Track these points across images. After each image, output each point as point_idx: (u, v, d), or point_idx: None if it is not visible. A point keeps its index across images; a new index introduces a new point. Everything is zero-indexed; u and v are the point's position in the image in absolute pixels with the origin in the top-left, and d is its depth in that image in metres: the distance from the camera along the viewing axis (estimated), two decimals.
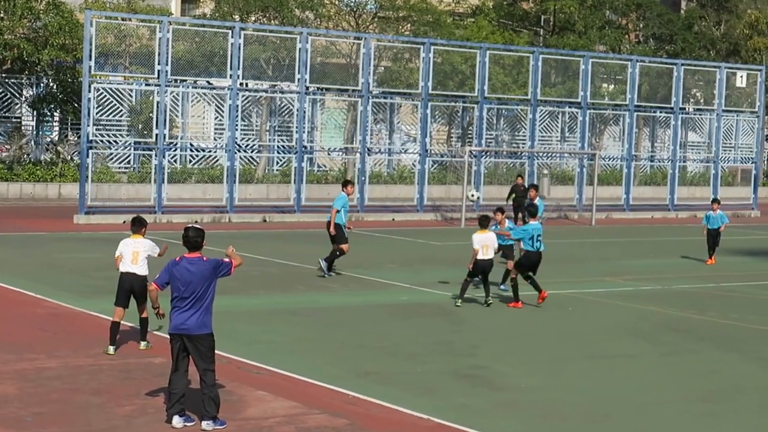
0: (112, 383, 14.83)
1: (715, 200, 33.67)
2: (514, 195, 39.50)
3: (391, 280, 25.70)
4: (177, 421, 12.80)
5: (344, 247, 26.03)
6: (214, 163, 46.38)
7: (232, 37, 40.37)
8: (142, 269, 16.97)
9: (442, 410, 14.00)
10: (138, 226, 17.20)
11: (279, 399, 14.26)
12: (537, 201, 29.31)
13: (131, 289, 16.92)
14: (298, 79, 41.92)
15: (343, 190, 26.86)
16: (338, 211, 26.10)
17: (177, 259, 13.12)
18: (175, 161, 44.34)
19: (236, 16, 53.22)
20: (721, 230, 31.64)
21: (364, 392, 14.79)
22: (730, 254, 33.69)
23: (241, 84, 42.08)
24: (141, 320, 17.15)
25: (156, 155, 39.69)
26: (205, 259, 13.02)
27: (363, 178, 43.50)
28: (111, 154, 42.02)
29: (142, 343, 17.12)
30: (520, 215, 38.09)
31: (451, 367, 16.75)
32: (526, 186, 41.30)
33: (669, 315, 22.12)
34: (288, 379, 15.47)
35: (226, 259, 13.09)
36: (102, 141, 40.09)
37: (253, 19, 53.54)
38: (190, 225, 13.52)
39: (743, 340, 19.94)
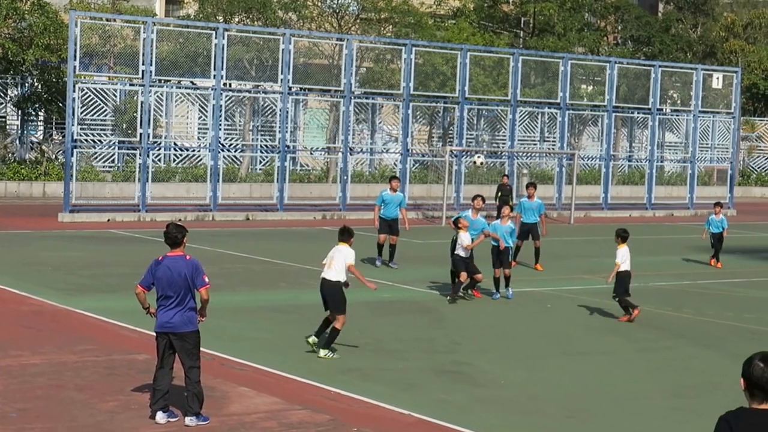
0: (96, 379, 14.92)
1: (717, 203, 32.74)
2: (500, 194, 39.88)
3: (373, 278, 25.72)
4: (160, 416, 12.89)
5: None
6: (198, 162, 46.59)
7: (215, 37, 40.50)
8: (332, 274, 16.91)
9: (424, 406, 14.14)
10: (347, 236, 17.20)
11: (261, 395, 14.35)
12: (536, 200, 29.35)
13: (323, 293, 17.04)
14: (281, 80, 42.11)
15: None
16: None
17: (159, 258, 13.12)
18: (159, 160, 44.57)
19: (220, 17, 53.35)
20: (725, 235, 31.32)
21: (346, 388, 14.92)
22: (706, 252, 33.99)
23: (224, 84, 42.21)
24: (331, 329, 17.05)
25: (140, 154, 39.83)
26: (188, 257, 13.02)
27: (345, 178, 43.71)
28: (95, 153, 42.21)
29: (322, 351, 16.90)
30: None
31: (432, 363, 16.90)
32: (511, 185, 41.68)
33: (645, 312, 22.20)
34: (270, 376, 15.60)
35: (206, 279, 13.08)
36: (86, 140, 40.25)
37: (236, 20, 53.69)
38: (171, 222, 13.55)
39: (719, 337, 20.17)
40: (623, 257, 21.49)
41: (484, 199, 24.60)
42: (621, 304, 21.58)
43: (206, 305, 13.18)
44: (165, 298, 12.91)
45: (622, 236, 21.73)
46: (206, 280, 13.04)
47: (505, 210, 24.48)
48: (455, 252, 22.86)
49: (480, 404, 14.55)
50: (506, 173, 44.22)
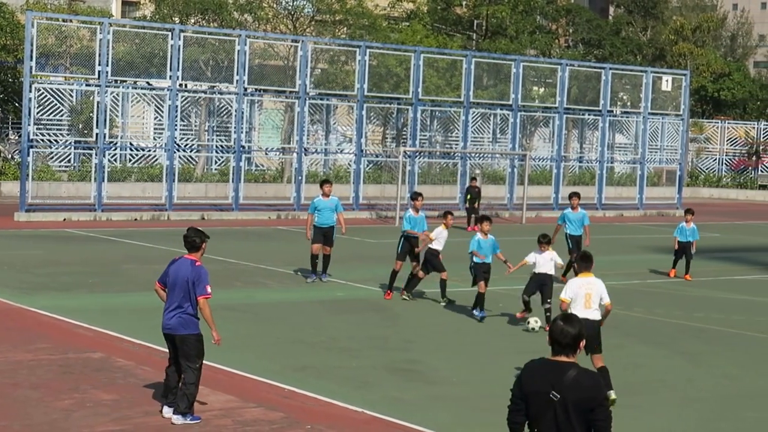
0: (51, 378, 14.95)
1: (688, 211, 30.09)
2: (469, 196, 40.18)
3: (328, 277, 26.01)
4: (167, 410, 13.07)
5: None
6: (154, 162, 46.58)
7: (171, 38, 40.59)
8: (594, 313, 14.91)
9: (377, 404, 14.30)
10: (591, 262, 15.21)
11: (216, 393, 14.42)
12: (580, 210, 27.43)
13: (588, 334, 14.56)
14: (237, 81, 42.27)
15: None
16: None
17: (176, 258, 13.23)
18: (115, 160, 44.58)
19: (176, 19, 53.41)
20: (693, 249, 29.04)
21: (300, 386, 15.05)
22: (655, 252, 34.43)
23: (180, 85, 42.29)
24: (601, 369, 14.88)
25: (96, 154, 39.84)
26: (197, 263, 12.98)
27: (300, 178, 43.88)
28: (51, 152, 42.17)
29: (611, 393, 14.70)
30: (472, 216, 39.24)
31: (385, 361, 17.07)
32: (480, 188, 41.86)
33: None
34: (225, 374, 15.69)
35: (209, 288, 12.94)
36: (43, 140, 40.22)
37: (192, 21, 53.79)
38: (192, 226, 13.56)
39: (668, 335, 20.40)
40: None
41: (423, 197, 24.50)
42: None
43: (209, 320, 12.92)
44: (169, 299, 13.01)
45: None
46: (208, 290, 12.92)
47: (485, 226, 21.93)
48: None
49: (432, 402, 14.70)
50: (474, 176, 44.59)
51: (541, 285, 20.79)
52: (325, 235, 25.38)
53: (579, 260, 15.33)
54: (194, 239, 13.10)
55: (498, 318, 21.68)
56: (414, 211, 23.76)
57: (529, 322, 19.04)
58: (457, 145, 49.59)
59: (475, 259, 21.47)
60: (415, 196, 24.54)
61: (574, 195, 27.66)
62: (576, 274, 15.27)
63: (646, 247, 34.89)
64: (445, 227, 23.27)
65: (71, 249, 30.19)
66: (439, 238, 23.21)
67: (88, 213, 39.30)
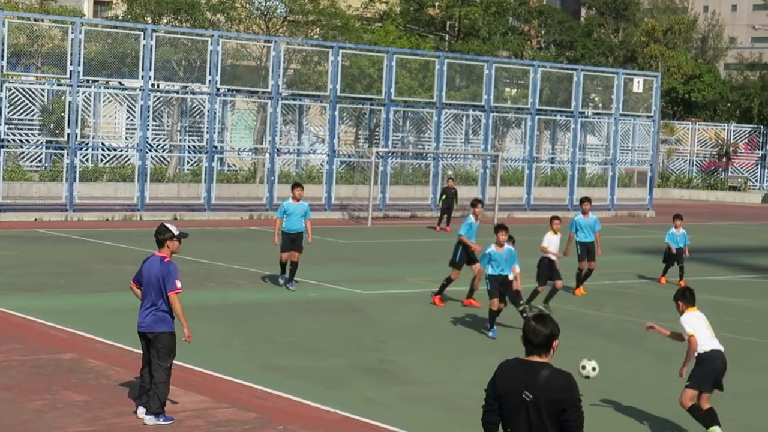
0: (23, 379, 14.90)
1: (677, 216, 28.92)
2: (444, 196, 40.23)
3: (300, 277, 25.64)
4: (141, 411, 13.07)
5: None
6: (126, 162, 46.44)
7: (143, 38, 40.50)
8: (719, 343, 14.23)
9: (349, 404, 14.33)
10: (694, 298, 14.26)
11: (188, 393, 14.41)
12: (591, 216, 26.22)
13: (722, 369, 14.04)
14: (209, 81, 42.25)
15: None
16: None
17: (149, 256, 13.30)
18: (87, 160, 44.44)
19: (148, 18, 53.30)
20: (686, 255, 28.34)
21: (273, 386, 15.07)
22: (626, 252, 34.58)
23: (152, 85, 42.21)
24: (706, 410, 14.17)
25: (68, 154, 39.74)
26: (166, 260, 13.02)
27: (272, 178, 43.89)
28: (23, 152, 42.03)
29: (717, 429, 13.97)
30: (445, 217, 39.78)
31: (357, 361, 17.11)
32: (456, 189, 41.83)
33: (568, 311, 22.61)
34: (197, 374, 15.68)
35: (179, 283, 12.91)
36: (14, 140, 40.11)
37: (164, 21, 53.64)
38: (163, 222, 13.60)
39: (640, 335, 20.27)
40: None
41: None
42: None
43: (180, 316, 12.93)
44: (144, 298, 13.05)
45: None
46: (177, 285, 12.89)
47: (501, 236, 20.73)
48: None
49: (404, 402, 14.76)
50: (451, 177, 44.60)
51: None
52: (293, 241, 24.35)
53: (682, 297, 14.16)
54: (157, 236, 13.16)
55: (469, 318, 21.74)
56: (474, 218, 23.41)
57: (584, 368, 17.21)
58: (429, 145, 49.66)
59: (489, 270, 20.24)
60: (475, 202, 24.08)
61: (586, 200, 26.29)
62: (680, 312, 14.27)
63: (617, 248, 34.98)
64: (554, 233, 23.18)
65: (42, 249, 30.11)
66: (550, 246, 23.08)
67: (59, 213, 39.17)
